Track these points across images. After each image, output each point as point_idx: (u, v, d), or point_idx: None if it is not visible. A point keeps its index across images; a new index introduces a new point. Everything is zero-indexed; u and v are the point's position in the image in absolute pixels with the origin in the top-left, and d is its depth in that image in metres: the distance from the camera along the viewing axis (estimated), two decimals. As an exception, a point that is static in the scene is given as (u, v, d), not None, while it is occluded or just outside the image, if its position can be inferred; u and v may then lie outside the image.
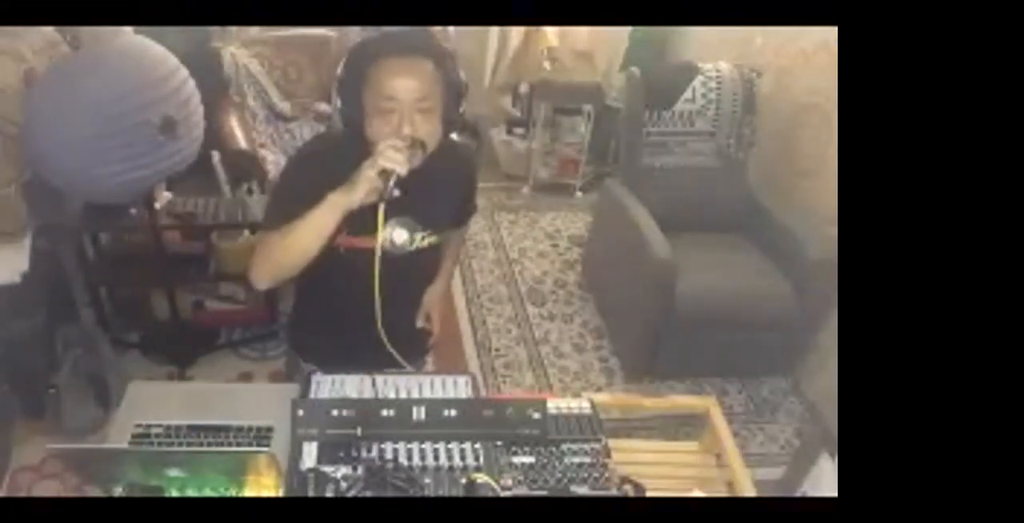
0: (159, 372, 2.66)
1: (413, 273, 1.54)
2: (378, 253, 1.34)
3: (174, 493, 1.23)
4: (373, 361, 1.49)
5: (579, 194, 4.11)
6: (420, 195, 1.41)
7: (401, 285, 1.49)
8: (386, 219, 1.37)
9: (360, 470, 1.25)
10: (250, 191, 2.82)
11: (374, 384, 1.45)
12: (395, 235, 1.42)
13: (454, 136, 1.50)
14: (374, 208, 1.29)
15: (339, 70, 1.34)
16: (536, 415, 1.35)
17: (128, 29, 1.99)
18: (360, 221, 1.32)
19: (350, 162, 1.26)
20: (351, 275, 1.38)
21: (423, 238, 1.46)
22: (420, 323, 1.63)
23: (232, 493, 1.24)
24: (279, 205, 1.39)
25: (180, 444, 1.36)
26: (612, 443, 1.39)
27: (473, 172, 1.60)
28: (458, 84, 1.36)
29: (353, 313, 1.41)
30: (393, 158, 1.23)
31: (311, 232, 1.27)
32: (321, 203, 1.25)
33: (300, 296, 1.69)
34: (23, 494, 1.26)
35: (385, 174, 1.23)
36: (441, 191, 1.48)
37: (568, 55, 4.02)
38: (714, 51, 3.47)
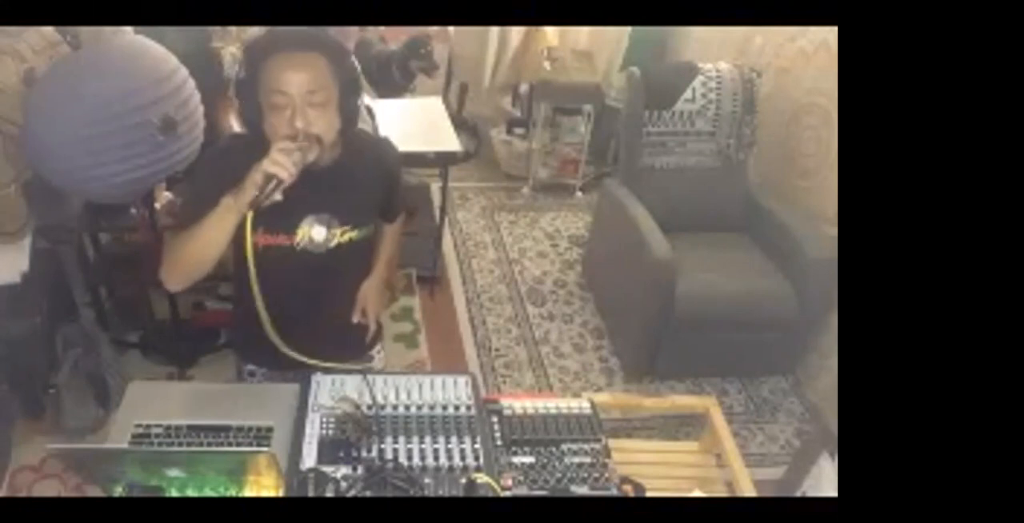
0: (159, 372, 2.65)
1: (341, 269, 1.53)
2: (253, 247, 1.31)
3: (174, 493, 1.23)
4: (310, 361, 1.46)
5: (579, 194, 4.11)
6: (337, 190, 1.41)
7: (330, 282, 1.49)
8: (303, 216, 1.40)
9: (360, 470, 1.25)
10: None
11: (374, 384, 1.45)
12: (314, 232, 1.43)
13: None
14: (288, 206, 1.30)
15: (237, 71, 1.35)
16: (536, 415, 1.35)
17: (128, 29, 1.99)
18: (275, 219, 1.33)
19: (251, 162, 1.26)
20: (274, 273, 1.37)
21: (343, 233, 1.45)
22: (356, 319, 1.61)
23: (232, 493, 1.24)
24: (189, 205, 1.39)
25: (180, 444, 1.36)
26: (612, 443, 1.40)
27: (396, 167, 1.59)
28: (354, 79, 1.36)
29: (281, 312, 1.39)
30: (279, 162, 1.23)
31: (210, 233, 1.28)
32: (218, 205, 1.26)
33: (235, 298, 1.68)
34: (23, 494, 1.26)
35: (268, 179, 1.23)
36: (363, 185, 1.48)
37: (568, 55, 4.03)
38: (714, 51, 3.47)
